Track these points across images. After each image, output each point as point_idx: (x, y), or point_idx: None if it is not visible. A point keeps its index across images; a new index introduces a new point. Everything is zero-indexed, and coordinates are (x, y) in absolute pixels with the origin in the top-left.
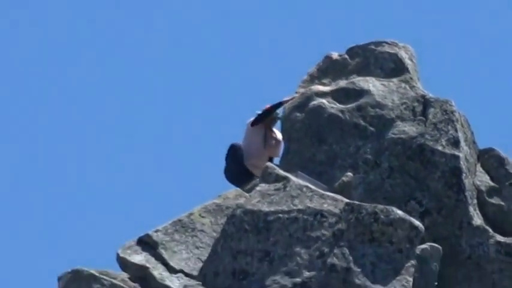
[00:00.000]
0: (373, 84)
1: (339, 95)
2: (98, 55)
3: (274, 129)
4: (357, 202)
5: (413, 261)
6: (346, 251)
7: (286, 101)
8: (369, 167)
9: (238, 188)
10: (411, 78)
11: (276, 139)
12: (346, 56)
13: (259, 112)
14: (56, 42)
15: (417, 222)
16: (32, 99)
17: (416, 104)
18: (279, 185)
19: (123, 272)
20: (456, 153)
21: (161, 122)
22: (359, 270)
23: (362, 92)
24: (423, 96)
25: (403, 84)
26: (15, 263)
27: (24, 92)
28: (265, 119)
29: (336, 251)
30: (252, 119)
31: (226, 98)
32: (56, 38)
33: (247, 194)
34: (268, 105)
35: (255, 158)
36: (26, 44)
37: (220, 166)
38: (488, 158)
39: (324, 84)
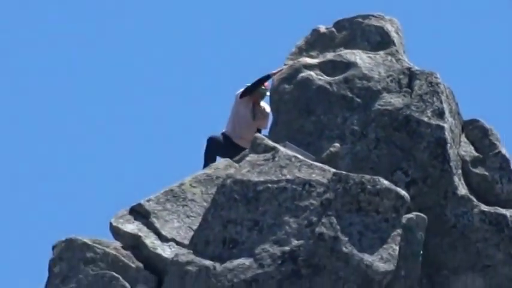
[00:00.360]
0: (359, 57)
1: (327, 67)
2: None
3: (262, 102)
4: (344, 172)
5: (399, 230)
6: (334, 220)
7: (274, 73)
8: (356, 137)
9: (228, 159)
10: (397, 51)
11: (263, 112)
12: (333, 29)
13: (248, 84)
14: None
15: (403, 192)
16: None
17: (402, 76)
18: (268, 155)
19: (115, 241)
20: (441, 124)
21: (153, 92)
22: (346, 239)
23: (349, 65)
24: (409, 69)
25: (389, 57)
26: (9, 233)
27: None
28: (253, 90)
29: (324, 220)
30: (240, 90)
31: (215, 71)
32: None
33: (237, 165)
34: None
35: (244, 130)
36: None
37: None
38: (472, 129)
39: (311, 57)
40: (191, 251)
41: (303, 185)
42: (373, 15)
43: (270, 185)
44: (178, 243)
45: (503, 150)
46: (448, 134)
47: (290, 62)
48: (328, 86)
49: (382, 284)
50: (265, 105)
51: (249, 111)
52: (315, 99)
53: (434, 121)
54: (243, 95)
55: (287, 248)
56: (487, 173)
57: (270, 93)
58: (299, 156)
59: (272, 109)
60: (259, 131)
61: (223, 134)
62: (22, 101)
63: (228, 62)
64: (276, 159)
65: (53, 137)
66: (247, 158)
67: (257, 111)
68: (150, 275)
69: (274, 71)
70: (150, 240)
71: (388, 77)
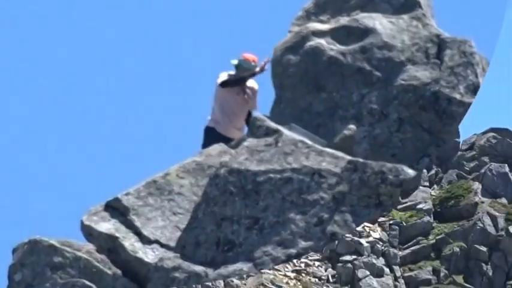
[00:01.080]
0: (379, 22)
1: (340, 35)
2: None
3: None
4: (360, 160)
5: None
6: (349, 217)
7: (260, 71)
8: (375, 118)
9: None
10: (424, 15)
11: (252, 89)
12: None
13: (230, 72)
14: None
15: None
16: None
17: (430, 44)
18: (270, 139)
19: (88, 243)
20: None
21: (137, 72)
22: None
23: (367, 31)
24: (438, 36)
25: (414, 22)
26: None
27: None
28: (234, 86)
29: (336, 217)
30: (221, 77)
31: (208, 40)
32: None
33: (232, 151)
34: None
35: (237, 118)
36: None
37: (201, 119)
38: None
39: (322, 22)
40: (178, 255)
41: (311, 176)
42: None
43: (272, 175)
44: (163, 245)
45: None
46: None
47: (296, 29)
48: (341, 57)
49: None
50: (252, 82)
51: (236, 93)
52: (326, 72)
53: (467, 98)
54: (224, 84)
55: (293, 251)
56: None
57: (272, 65)
58: (307, 140)
59: (275, 84)
60: (249, 113)
61: (208, 128)
62: None
63: (225, 28)
64: (279, 144)
65: (19, 123)
66: (245, 143)
67: (246, 90)
68: (130, 283)
69: (257, 69)
70: (130, 242)
71: (413, 45)
